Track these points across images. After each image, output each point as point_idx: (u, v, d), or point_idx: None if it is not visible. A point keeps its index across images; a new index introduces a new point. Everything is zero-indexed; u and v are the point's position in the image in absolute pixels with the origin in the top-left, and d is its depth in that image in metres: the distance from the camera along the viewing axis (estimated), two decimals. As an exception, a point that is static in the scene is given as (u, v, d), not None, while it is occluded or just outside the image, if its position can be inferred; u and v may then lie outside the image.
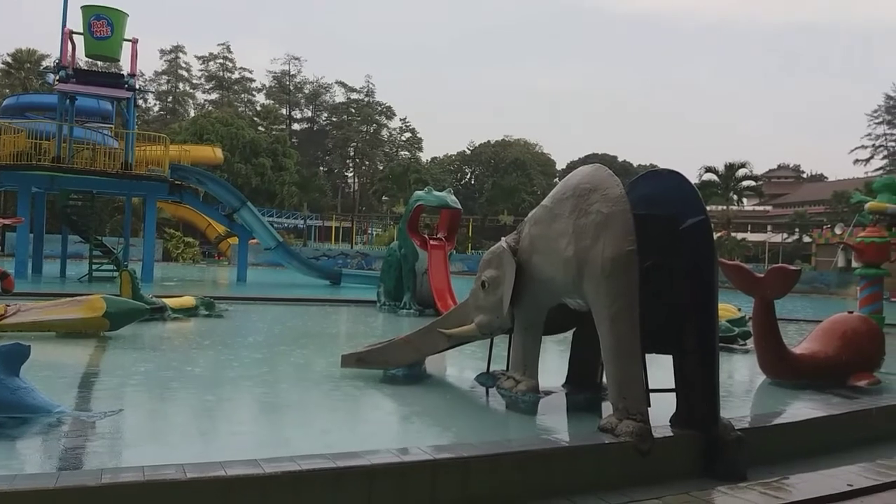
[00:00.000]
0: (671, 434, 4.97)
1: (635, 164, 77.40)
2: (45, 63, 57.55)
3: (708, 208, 5.45)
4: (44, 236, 25.65)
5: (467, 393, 7.06)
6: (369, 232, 62.45)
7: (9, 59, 61.38)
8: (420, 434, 5.67)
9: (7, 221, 18.18)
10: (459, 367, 8.52)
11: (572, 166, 66.54)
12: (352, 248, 49.04)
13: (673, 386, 5.24)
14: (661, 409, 5.09)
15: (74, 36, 22.96)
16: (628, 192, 5.20)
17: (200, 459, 3.85)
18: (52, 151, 22.07)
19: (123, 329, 9.89)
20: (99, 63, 30.33)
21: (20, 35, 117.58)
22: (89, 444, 4.78)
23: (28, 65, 60.90)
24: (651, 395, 4.96)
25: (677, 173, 5.53)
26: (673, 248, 5.21)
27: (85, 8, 22.90)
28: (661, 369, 5.39)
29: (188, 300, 13.03)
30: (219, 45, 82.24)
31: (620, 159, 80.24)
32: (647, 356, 5.02)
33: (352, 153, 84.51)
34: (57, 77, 22.95)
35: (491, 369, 6.95)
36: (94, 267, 22.39)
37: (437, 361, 8.11)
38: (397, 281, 15.49)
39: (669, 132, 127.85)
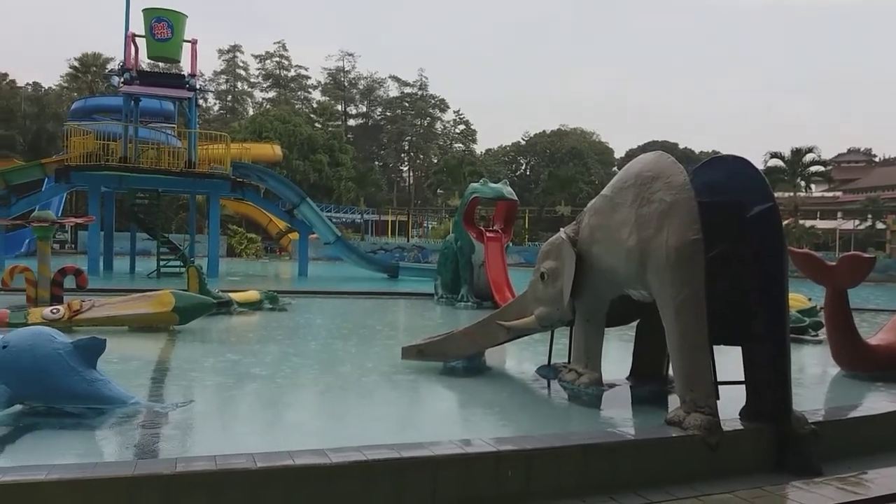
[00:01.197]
0: (741, 427, 4.85)
1: (697, 151, 75.45)
2: (109, 66, 59.55)
3: (775, 195, 5.27)
4: (114, 234, 26.52)
5: (528, 386, 7.03)
6: (425, 225, 62.71)
7: (76, 64, 63.70)
8: (481, 426, 5.67)
9: (79, 220, 18.86)
10: (519, 359, 8.49)
11: (631, 154, 65.40)
12: (408, 241, 49.30)
13: (742, 378, 5.10)
14: (731, 402, 4.97)
15: (137, 39, 23.65)
16: (692, 180, 5.08)
17: (268, 449, 3.93)
18: (119, 152, 22.81)
19: (192, 323, 10.20)
20: (160, 64, 31.15)
21: (86, 40, 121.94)
22: (163, 434, 4.94)
23: (94, 68, 63.09)
24: (720, 387, 4.86)
25: (743, 159, 5.37)
26: (740, 236, 5.07)
27: (146, 11, 23.58)
28: (729, 361, 5.25)
29: (253, 294, 13.35)
30: (275, 43, 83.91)
31: (682, 146, 78.35)
32: (715, 347, 4.91)
33: (406, 147, 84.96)
34: (122, 79, 23.70)
35: (552, 362, 6.89)
36: (162, 263, 23.00)
37: (496, 354, 8.10)
38: (454, 273, 15.50)
39: (732, 117, 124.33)
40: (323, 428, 5.48)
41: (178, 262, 22.74)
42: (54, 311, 9.69)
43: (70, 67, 64.21)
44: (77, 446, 4.69)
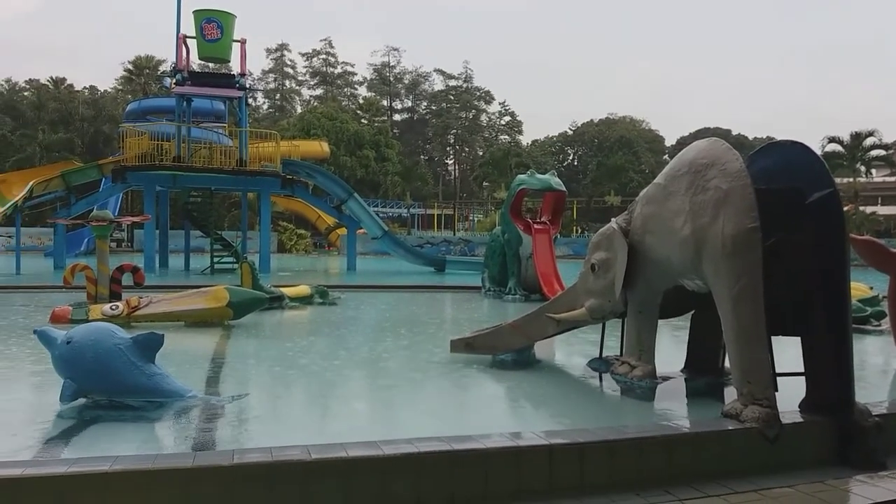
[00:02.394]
0: (801, 420, 4.71)
1: (751, 138, 73.50)
2: (162, 68, 60.98)
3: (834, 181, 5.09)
4: (168, 232, 27.19)
5: (579, 379, 6.96)
6: (471, 218, 62.69)
7: (130, 67, 65.41)
8: (532, 419, 5.65)
9: (135, 219, 19.41)
10: (569, 352, 8.42)
11: (683, 142, 64.13)
12: (454, 234, 49.37)
13: (802, 369, 4.96)
14: (790, 395, 4.83)
15: (188, 40, 24.15)
16: (748, 166, 4.93)
17: (321, 441, 3.98)
18: (172, 151, 23.34)
19: (245, 317, 10.40)
20: (210, 65, 31.77)
21: (139, 43, 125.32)
22: (220, 427, 5.05)
23: (147, 70, 64.65)
24: (779, 378, 4.73)
25: (801, 144, 5.21)
26: (798, 223, 4.91)
27: (196, 12, 24.06)
28: (789, 352, 5.11)
29: (304, 289, 13.53)
30: (321, 40, 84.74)
31: (734, 133, 76.40)
32: (774, 338, 4.77)
33: (452, 140, 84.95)
34: (174, 81, 24.25)
35: (604, 354, 6.81)
36: (216, 260, 23.49)
37: (546, 347, 8.04)
38: (501, 266, 15.44)
39: (786, 103, 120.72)
40: (374, 420, 5.53)
41: (231, 259, 23.18)
42: (113, 307, 9.97)
43: (124, 70, 65.99)
44: (138, 438, 4.83)
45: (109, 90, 67.10)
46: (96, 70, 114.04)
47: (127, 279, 12.01)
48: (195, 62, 25.96)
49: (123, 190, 28.84)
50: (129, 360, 5.30)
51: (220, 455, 3.93)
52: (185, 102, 24.19)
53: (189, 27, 24.10)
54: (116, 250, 36.95)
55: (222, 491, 3.52)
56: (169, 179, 23.37)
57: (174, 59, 24.70)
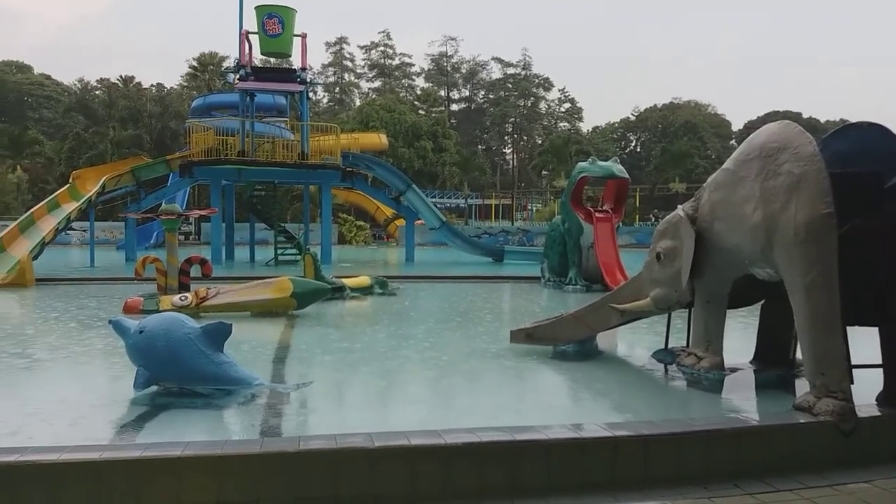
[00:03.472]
0: (878, 414, 4.53)
1: (822, 121, 70.65)
2: (225, 64, 62.36)
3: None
4: (234, 225, 27.77)
5: (644, 370, 6.84)
6: (529, 208, 62.26)
7: (194, 63, 67.13)
8: (595, 411, 5.56)
9: (202, 212, 19.96)
10: (633, 343, 8.28)
11: (751, 126, 62.08)
12: (512, 224, 49.13)
13: (880, 361, 4.75)
14: (867, 388, 4.64)
15: (250, 36, 24.56)
16: (822, 149, 4.74)
17: (385, 429, 4.03)
18: (237, 146, 23.79)
19: (309, 307, 10.59)
20: (272, 60, 32.31)
21: (203, 40, 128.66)
22: (286, 414, 5.15)
23: (211, 67, 66.16)
24: (854, 370, 4.55)
25: (879, 125, 4.98)
26: (875, 208, 4.70)
27: (258, 8, 24.46)
28: (865, 343, 4.90)
29: (364, 280, 13.69)
30: (379, 32, 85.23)
31: (805, 115, 73.53)
32: (849, 328, 4.59)
33: (510, 129, 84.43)
34: (237, 76, 24.72)
35: (669, 346, 6.67)
36: (279, 251, 23.90)
37: (609, 338, 7.93)
38: (561, 256, 15.28)
39: (860, 83, 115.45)
40: (435, 409, 5.55)
41: (294, 251, 23.61)
42: (183, 298, 10.26)
43: (189, 67, 67.67)
44: (207, 425, 4.96)
45: (175, 87, 69.10)
46: (163, 68, 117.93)
47: (195, 271, 12.34)
48: (257, 57, 26.41)
49: (190, 184, 29.57)
50: (198, 349, 5.46)
51: (287, 441, 4.02)
52: (248, 97, 24.62)
53: (251, 23, 24.55)
54: (185, 243, 37.86)
55: (289, 477, 3.59)
56: (234, 173, 23.84)
57: (237, 55, 25.09)
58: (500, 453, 3.82)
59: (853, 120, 5.52)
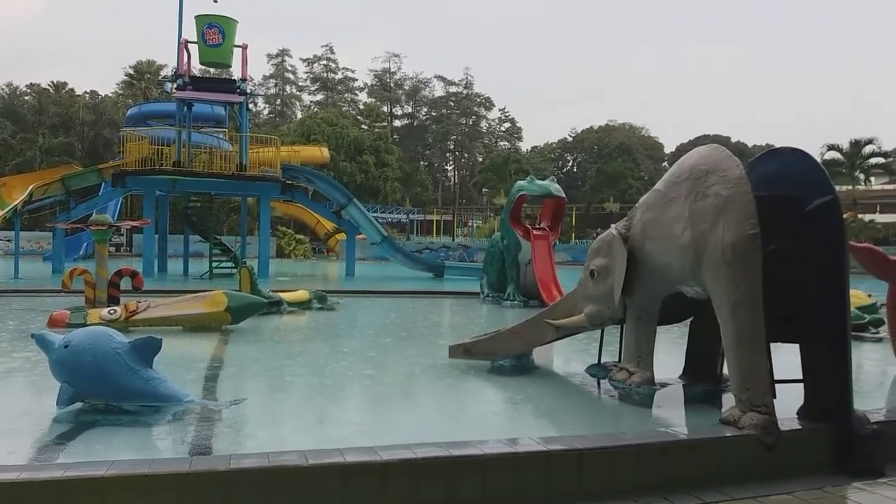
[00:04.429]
0: (799, 427, 4.71)
1: (750, 145, 73.63)
2: (162, 73, 61.04)
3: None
4: (167, 237, 27.14)
5: (577, 385, 6.95)
6: (470, 224, 62.72)
7: (131, 71, 65.49)
8: (530, 425, 5.63)
9: (135, 223, 19.43)
10: (568, 358, 8.41)
11: (682, 149, 64.13)
12: (453, 240, 49.38)
13: (800, 376, 4.95)
14: (788, 402, 4.82)
15: (189, 45, 24.17)
16: (748, 173, 4.93)
17: (318, 446, 3.97)
18: (172, 156, 23.33)
19: (244, 322, 10.38)
20: (211, 70, 31.81)
21: (140, 48, 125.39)
22: (217, 431, 5.03)
23: (148, 75, 64.70)
24: (777, 386, 4.72)
25: (801, 151, 5.20)
26: (798, 230, 4.91)
27: (198, 17, 24.09)
28: (787, 359, 5.10)
29: (302, 294, 13.53)
30: (322, 46, 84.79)
31: (734, 140, 76.50)
32: (773, 345, 4.77)
33: (451, 146, 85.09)
34: (175, 85, 24.26)
35: (602, 361, 6.80)
36: (214, 264, 23.46)
37: (544, 353, 8.03)
38: (500, 272, 15.44)
39: (785, 110, 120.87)
40: (371, 426, 5.51)
41: (229, 264, 23.18)
42: (112, 311, 9.95)
43: (125, 75, 66.07)
44: (135, 443, 4.81)
45: (110, 95, 67.22)
46: (97, 75, 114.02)
47: (125, 283, 11.99)
48: (196, 67, 25.97)
49: (123, 194, 28.83)
50: (126, 365, 5.29)
51: (218, 460, 3.91)
52: (185, 107, 24.21)
53: (191, 32, 24.16)
54: (115, 254, 36.85)
55: (219, 496, 3.50)
56: (168, 184, 23.36)
57: (175, 64, 24.69)
58: (436, 469, 3.81)
59: (778, 145, 5.77)
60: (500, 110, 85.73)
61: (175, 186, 23.49)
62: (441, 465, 3.81)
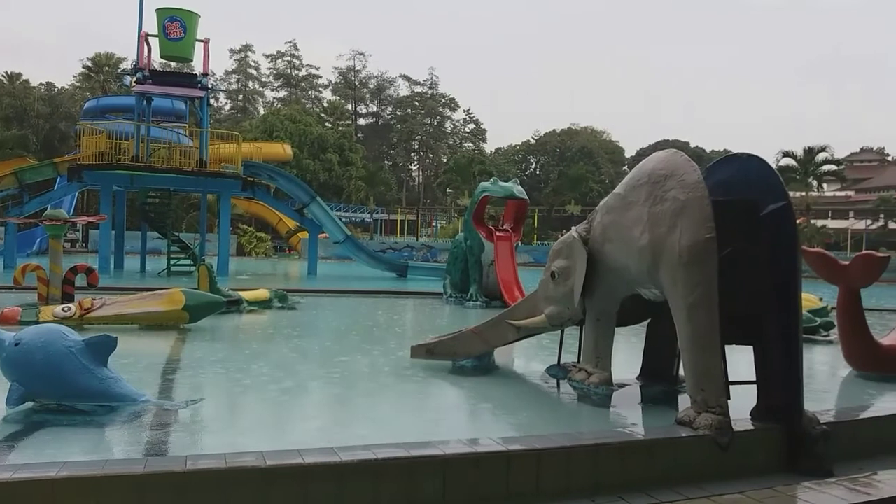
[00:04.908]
0: (752, 427, 4.81)
1: (708, 150, 75.12)
2: (122, 66, 59.83)
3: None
4: (125, 233, 26.63)
5: (537, 385, 7.01)
6: (434, 224, 62.76)
7: (89, 64, 64.02)
8: (490, 425, 5.66)
9: (91, 219, 18.95)
10: (529, 359, 8.47)
11: (642, 153, 65.11)
12: (417, 240, 49.35)
13: (754, 378, 5.07)
14: (742, 402, 4.93)
15: (150, 38, 23.75)
16: (705, 178, 5.04)
17: (278, 447, 3.93)
18: (131, 151, 22.89)
19: (202, 321, 10.23)
20: (172, 64, 31.29)
21: (99, 40, 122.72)
22: (173, 432, 4.95)
23: (107, 68, 63.36)
24: (731, 387, 4.82)
25: (757, 157, 5.33)
26: (753, 235, 5.03)
27: (159, 10, 23.68)
28: (741, 361, 5.22)
29: (262, 293, 13.38)
30: (286, 42, 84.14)
31: (693, 145, 77.97)
32: (727, 347, 4.87)
33: (416, 146, 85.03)
34: (134, 79, 23.81)
35: (562, 361, 6.87)
36: (173, 262, 23.09)
37: (505, 353, 8.08)
38: (463, 273, 15.48)
39: (743, 116, 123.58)
40: (332, 426, 5.48)
41: (188, 261, 22.82)
42: (65, 309, 9.74)
43: (83, 67, 64.57)
44: (88, 444, 4.71)
45: (67, 87, 65.66)
46: (54, 66, 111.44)
47: (80, 280, 11.76)
48: (157, 61, 25.61)
49: (79, 189, 28.19)
50: (80, 364, 5.18)
51: (173, 461, 3.85)
52: (144, 101, 23.78)
53: (151, 25, 23.73)
54: (70, 251, 36.09)
55: (175, 498, 3.45)
56: (126, 179, 22.93)
57: (135, 58, 24.20)
58: (396, 469, 3.81)
59: (735, 150, 5.90)
60: (464, 111, 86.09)
61: (133, 182, 23.07)
62: (401, 466, 3.81)
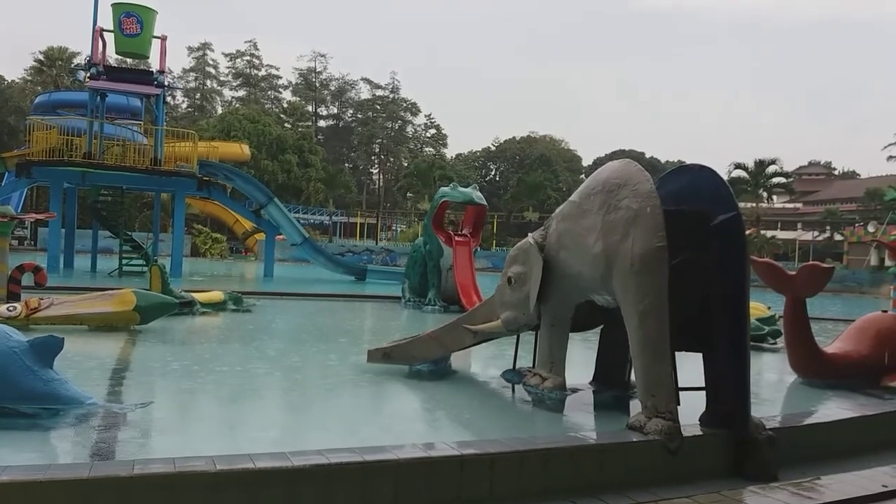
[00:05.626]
0: (700, 433, 4.90)
1: (663, 161, 76.71)
2: (76, 61, 58.43)
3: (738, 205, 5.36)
4: (75, 231, 26.01)
5: (493, 390, 7.04)
6: (394, 228, 62.67)
7: (41, 57, 62.38)
8: (445, 430, 5.68)
9: (39, 216, 18.49)
10: (485, 363, 8.51)
11: (599, 162, 66.01)
12: (376, 244, 49.20)
13: (703, 384, 5.18)
14: (691, 408, 5.03)
15: (105, 33, 23.25)
16: (658, 188, 5.13)
17: (229, 451, 3.88)
18: (83, 148, 22.38)
19: (153, 323, 10.02)
20: (128, 60, 30.69)
21: (52, 33, 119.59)
22: (121, 436, 4.85)
23: (59, 62, 61.85)
24: (680, 393, 4.92)
25: (708, 168, 5.46)
26: (703, 244, 5.13)
27: (115, 5, 23.18)
28: (690, 367, 5.33)
29: (216, 295, 13.18)
30: (246, 42, 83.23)
31: (648, 155, 79.52)
32: (677, 354, 4.97)
33: (377, 150, 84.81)
34: (88, 74, 23.28)
35: (517, 366, 6.92)
36: (125, 262, 22.66)
37: (462, 358, 8.10)
38: (422, 277, 15.49)
39: (698, 128, 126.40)
40: (285, 431, 5.43)
41: (140, 261, 22.40)
42: (11, 308, 9.46)
43: (35, 61, 62.96)
44: (31, 447, 4.57)
45: (17, 81, 63.79)
46: (4, 59, 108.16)
47: (27, 279, 11.50)
48: (112, 56, 24.96)
49: (28, 185, 27.33)
50: (24, 365, 5.03)
51: (120, 465, 3.78)
52: (98, 97, 23.26)
53: (107, 20, 23.21)
54: (18, 248, 35.06)
55: (121, 503, 3.38)
56: (78, 176, 22.40)
57: (89, 52, 23.66)
58: (349, 475, 3.79)
59: (688, 161, 6.03)
60: (426, 116, 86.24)
61: (85, 179, 22.55)
62: (354, 471, 3.80)
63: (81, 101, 25.63)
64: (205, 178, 24.79)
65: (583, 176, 72.23)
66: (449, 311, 14.13)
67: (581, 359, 7.29)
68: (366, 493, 3.79)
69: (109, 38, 23.39)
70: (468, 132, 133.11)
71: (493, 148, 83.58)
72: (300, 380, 7.38)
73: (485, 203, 16.27)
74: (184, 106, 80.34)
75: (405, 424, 5.81)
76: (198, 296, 12.64)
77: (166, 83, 24.89)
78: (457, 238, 15.48)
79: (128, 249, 23.27)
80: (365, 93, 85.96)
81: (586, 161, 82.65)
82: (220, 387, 6.78)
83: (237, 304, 13.25)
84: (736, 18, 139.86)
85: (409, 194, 70.53)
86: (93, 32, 23.01)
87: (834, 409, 6.46)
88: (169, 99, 32.39)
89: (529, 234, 6.45)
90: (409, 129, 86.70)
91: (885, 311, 8.92)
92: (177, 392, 6.61)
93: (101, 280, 19.71)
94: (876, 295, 32.89)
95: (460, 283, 14.78)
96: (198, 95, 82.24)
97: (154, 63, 25.06)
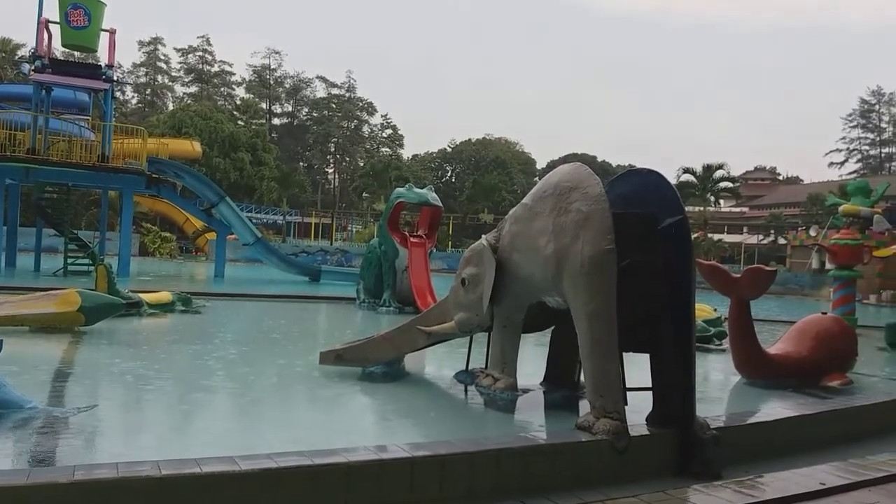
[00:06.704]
0: (647, 432, 5.01)
1: (614, 165, 77.95)
2: (20, 53, 56.66)
3: (685, 209, 5.48)
4: (17, 229, 25.22)
5: (446, 391, 7.06)
6: (349, 228, 62.27)
7: (-17, 49, 60.28)
8: (398, 432, 5.66)
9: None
10: (438, 364, 8.52)
11: (552, 165, 66.72)
12: (331, 244, 48.82)
13: (650, 384, 5.28)
14: (638, 408, 5.12)
15: (51, 25, 22.58)
16: (607, 191, 5.22)
17: (176, 456, 3.81)
18: (26, 143, 21.70)
19: (99, 324, 9.78)
20: (76, 53, 29.82)
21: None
22: (62, 441, 4.70)
23: (2, 54, 59.88)
24: (628, 393, 5.00)
25: (656, 172, 5.57)
26: (651, 246, 5.23)
27: (62, -3, 22.53)
28: (638, 368, 5.43)
29: (164, 295, 12.91)
30: (198, 37, 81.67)
31: (600, 159, 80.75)
32: (625, 354, 5.05)
33: (332, 149, 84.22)
34: (32, 67, 22.56)
35: (470, 367, 6.95)
36: (70, 261, 22.10)
37: (416, 359, 8.10)
38: (377, 278, 15.44)
39: (648, 133, 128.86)
40: (234, 435, 5.34)
41: (86, 260, 21.84)
42: (-53, 309, 9.14)
43: (-25, 52, 60.68)
44: (-34, 453, 4.42)
45: (-44, 72, 61.42)
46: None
47: (-36, 279, 11.05)
48: (58, 49, 24.25)
49: (-34, 181, 26.42)
50: (-41, 368, 4.86)
51: (60, 471, 3.67)
52: (43, 91, 22.59)
53: (53, 11, 22.52)
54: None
55: (60, 510, 3.28)
56: (21, 172, 21.72)
57: (34, 44, 22.92)
58: (298, 478, 3.76)
59: (639, 165, 6.14)
60: (382, 116, 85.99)
61: (28, 175, 21.88)
62: (303, 474, 3.76)
63: (25, 94, 24.85)
64: (154, 176, 24.29)
65: (536, 178, 72.83)
66: (404, 312, 14.11)
67: (533, 359, 7.36)
68: (315, 497, 3.76)
69: (55, 29, 22.72)
70: (425, 133, 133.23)
71: (449, 149, 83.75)
72: (250, 382, 7.27)
73: (440, 204, 16.29)
74: (134, 101, 78.56)
75: (358, 426, 5.78)
76: (145, 296, 12.37)
77: (115, 78, 24.33)
78: (412, 239, 15.47)
79: (73, 248, 22.73)
80: (320, 91, 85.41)
81: (540, 164, 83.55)
82: (167, 390, 6.64)
83: (186, 305, 13.00)
84: (685, 23, 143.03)
85: (364, 194, 70.14)
86: (38, 24, 22.32)
87: (776, 408, 6.63)
88: (118, 94, 31.62)
89: (483, 235, 6.49)
90: (366, 128, 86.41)
91: (825, 313, 9.24)
92: (122, 395, 6.46)
93: (45, 280, 19.12)
94: (817, 297, 33.96)
95: (415, 285, 14.77)
96: (148, 91, 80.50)
97: (102, 57, 24.38)
